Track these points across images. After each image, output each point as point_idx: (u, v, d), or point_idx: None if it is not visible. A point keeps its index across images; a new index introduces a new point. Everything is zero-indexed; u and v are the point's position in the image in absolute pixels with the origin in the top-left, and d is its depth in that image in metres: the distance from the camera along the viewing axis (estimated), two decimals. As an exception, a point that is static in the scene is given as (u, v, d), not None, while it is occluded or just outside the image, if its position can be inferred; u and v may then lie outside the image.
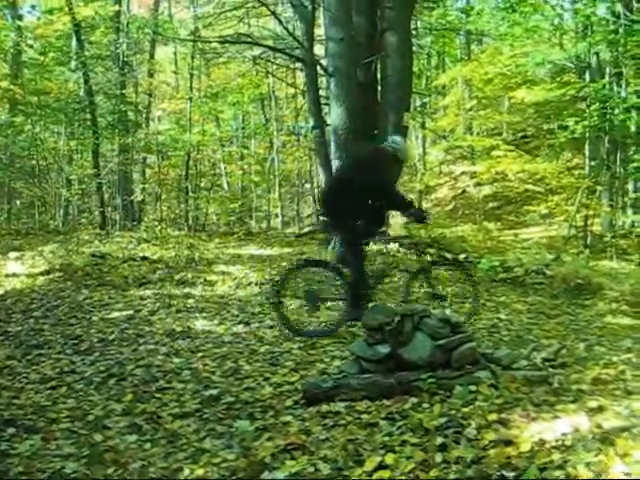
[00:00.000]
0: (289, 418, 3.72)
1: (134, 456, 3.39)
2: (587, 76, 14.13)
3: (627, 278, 8.41)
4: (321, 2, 11.68)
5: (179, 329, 5.96)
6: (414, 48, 13.37)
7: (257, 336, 5.71)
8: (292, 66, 18.07)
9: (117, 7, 16.81)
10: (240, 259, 9.90)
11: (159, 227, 12.93)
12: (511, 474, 2.71)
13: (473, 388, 3.67)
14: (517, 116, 19.49)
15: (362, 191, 5.69)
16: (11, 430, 3.71)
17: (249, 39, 15.71)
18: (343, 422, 3.51)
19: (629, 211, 13.70)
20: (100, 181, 16.06)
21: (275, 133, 20.41)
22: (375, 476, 2.88)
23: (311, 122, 12.31)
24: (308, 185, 21.67)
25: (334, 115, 10.57)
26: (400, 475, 2.86)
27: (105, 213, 16.02)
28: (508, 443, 2.97)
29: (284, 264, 9.12)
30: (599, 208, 13.16)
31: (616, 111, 12.28)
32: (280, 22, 14.93)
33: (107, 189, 17.86)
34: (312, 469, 3.02)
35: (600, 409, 3.24)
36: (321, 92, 12.86)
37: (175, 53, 21.78)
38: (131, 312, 6.63)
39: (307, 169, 21.15)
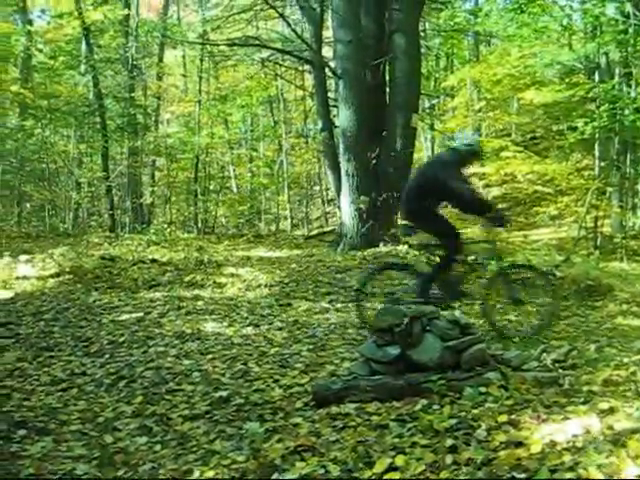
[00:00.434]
0: (299, 420, 3.72)
1: (144, 458, 3.40)
2: (596, 77, 14.07)
3: (638, 279, 8.37)
4: (329, 4, 11.72)
5: (189, 331, 5.97)
6: (422, 50, 13.38)
7: (267, 338, 5.71)
8: (301, 68, 18.10)
9: (126, 11, 16.90)
10: (249, 261, 9.91)
11: (168, 229, 12.99)
12: (522, 476, 2.69)
13: (483, 389, 3.66)
14: (526, 117, 19.44)
15: (441, 193, 5.67)
16: (22, 432, 3.73)
17: (257, 42, 15.77)
18: (353, 424, 3.51)
19: (639, 212, 13.64)
20: (109, 184, 16.13)
21: (284, 135, 20.42)
22: (385, 478, 2.88)
23: (320, 124, 12.33)
24: (317, 187, 21.68)
25: (343, 117, 10.58)
26: (410, 477, 2.85)
27: (115, 216, 16.10)
28: (518, 445, 2.96)
29: (293, 266, 9.13)
30: (609, 209, 13.10)
31: (626, 112, 12.21)
32: (288, 24, 14.97)
33: (116, 192, 17.96)
34: (322, 471, 3.02)
35: (611, 410, 3.22)
36: (330, 94, 12.88)
37: (184, 56, 21.87)
38: (141, 314, 6.64)
39: (316, 171, 21.16)
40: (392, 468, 2.94)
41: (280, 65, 17.82)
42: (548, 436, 2.97)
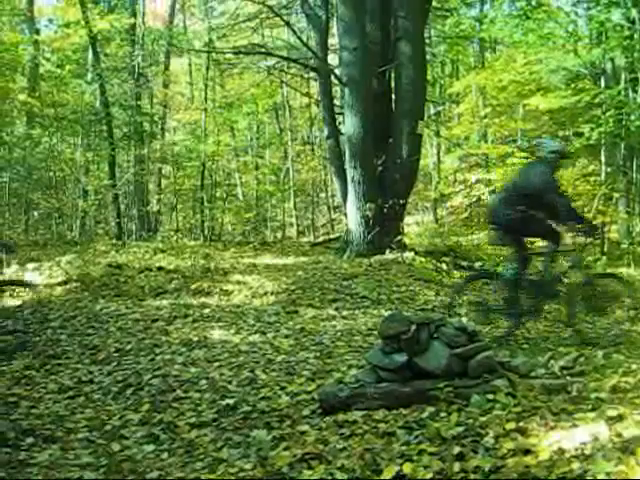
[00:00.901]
0: (306, 427, 3.72)
1: (151, 466, 3.40)
2: (602, 82, 14.06)
3: (645, 285, 8.32)
4: (335, 12, 11.75)
5: (195, 339, 5.98)
6: (428, 56, 13.40)
7: (273, 345, 5.71)
8: (306, 76, 18.13)
9: (132, 20, 17.00)
10: (256, 268, 9.92)
11: (175, 237, 13.01)
12: (530, 484, 2.69)
13: (490, 397, 3.64)
14: (532, 123, 19.38)
15: (538, 204, 5.70)
16: (30, 440, 3.74)
17: (263, 49, 15.83)
18: (360, 431, 3.50)
19: (646, 218, 13.59)
20: (116, 192, 16.17)
21: (289, 143, 20.46)
22: (393, 486, 2.87)
23: (325, 131, 12.35)
24: (323, 194, 21.70)
25: (348, 124, 10.59)
26: (418, 485, 2.85)
27: (121, 224, 16.13)
28: (526, 452, 2.94)
29: (299, 273, 9.13)
30: (616, 215, 13.06)
31: (632, 117, 12.19)
32: (294, 32, 15.02)
33: (123, 200, 17.99)
34: (329, 478, 3.01)
35: (620, 418, 3.20)
36: (335, 101, 12.89)
37: (190, 64, 21.97)
38: (148, 322, 6.65)
39: (322, 178, 21.18)
40: (399, 476, 2.94)
41: (286, 73, 17.85)
42: (556, 444, 2.95)
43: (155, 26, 20.43)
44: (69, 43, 16.18)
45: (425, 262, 9.62)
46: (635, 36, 11.71)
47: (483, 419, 3.37)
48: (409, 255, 9.77)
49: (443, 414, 3.55)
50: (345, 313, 7.03)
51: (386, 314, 5.37)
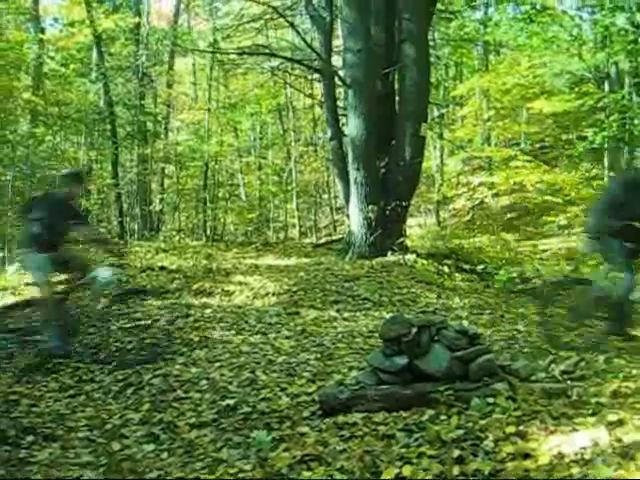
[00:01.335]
0: (306, 429, 3.72)
1: (151, 465, 3.40)
2: (606, 86, 14.05)
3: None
4: (339, 13, 11.75)
5: (196, 339, 5.98)
6: (432, 59, 13.40)
7: (274, 346, 5.71)
8: (310, 77, 18.14)
9: (137, 19, 17.02)
10: (258, 269, 9.92)
11: (177, 237, 13.01)
12: (529, 488, 2.69)
13: (491, 400, 3.64)
14: (535, 126, 19.38)
15: (631, 214, 5.67)
16: (30, 438, 3.75)
17: (267, 50, 15.85)
18: (360, 433, 3.50)
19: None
20: (119, 191, 16.19)
21: (293, 143, 20.47)
22: (392, 488, 2.87)
23: (329, 133, 12.35)
24: (325, 195, 21.71)
25: (352, 126, 10.59)
26: (417, 487, 2.85)
27: (124, 223, 16.15)
28: (526, 456, 2.95)
29: (301, 274, 9.13)
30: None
31: (636, 121, 12.19)
32: (298, 33, 15.03)
33: (126, 199, 18.02)
34: (329, 480, 3.02)
35: (620, 423, 3.20)
36: (339, 103, 12.90)
37: (194, 64, 21.98)
38: (149, 322, 6.66)
39: (324, 179, 21.19)
40: (399, 478, 2.94)
41: (289, 74, 17.87)
42: (556, 448, 2.95)
43: (159, 26, 20.46)
44: (74, 42, 16.18)
45: (427, 264, 9.61)
46: (639, 40, 11.70)
47: (483, 422, 3.37)
48: (411, 257, 9.76)
49: (443, 417, 3.55)
50: (346, 315, 7.03)
51: (387, 316, 5.37)
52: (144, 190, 18.04)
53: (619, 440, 2.97)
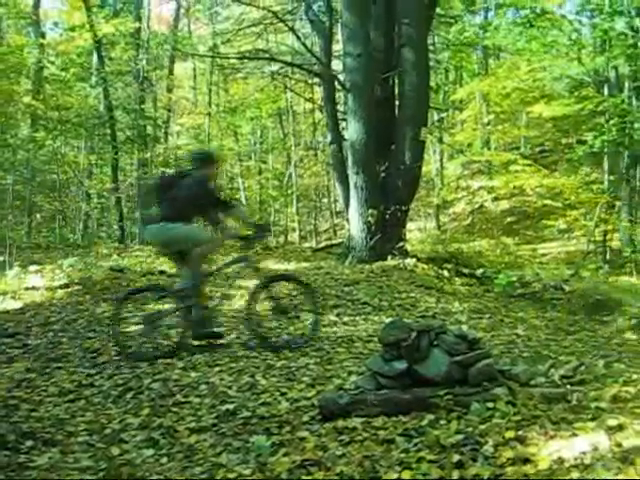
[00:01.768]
0: (305, 434, 3.71)
1: (150, 470, 3.39)
2: (606, 90, 14.08)
3: (647, 294, 8.33)
4: (339, 18, 11.78)
5: (196, 343, 5.97)
6: (431, 63, 13.43)
7: (274, 351, 5.71)
8: (310, 81, 18.18)
9: (137, 24, 17.08)
10: (258, 273, 9.90)
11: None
12: (529, 493, 2.68)
13: (490, 405, 3.64)
14: (535, 130, 19.44)
15: None
16: (30, 443, 3.74)
17: (267, 55, 15.89)
18: (359, 438, 3.50)
19: (649, 226, 13.58)
20: (119, 195, 16.21)
21: (293, 148, 20.50)
22: (391, 493, 2.87)
23: (328, 137, 12.37)
24: (325, 199, 21.74)
25: (351, 130, 10.60)
26: (417, 492, 2.84)
27: (124, 227, 16.17)
28: (526, 461, 2.94)
29: (301, 279, 9.10)
30: (618, 223, 13.06)
31: (635, 125, 12.23)
32: (298, 38, 15.07)
33: (126, 203, 18.03)
34: (328, 485, 3.01)
35: (620, 427, 3.20)
36: (339, 107, 12.92)
37: (194, 69, 22.06)
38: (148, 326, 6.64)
39: (324, 184, 21.23)
40: (399, 483, 2.94)
41: (290, 78, 17.92)
42: (556, 453, 2.95)
43: (160, 30, 20.52)
44: (74, 46, 16.26)
45: (427, 269, 9.62)
46: (639, 44, 11.73)
47: (483, 427, 3.36)
48: (411, 262, 9.76)
49: (443, 422, 3.55)
50: (346, 319, 7.02)
51: (387, 321, 5.37)
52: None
53: (619, 445, 2.96)
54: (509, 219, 18.97)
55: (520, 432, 3.24)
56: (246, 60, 16.50)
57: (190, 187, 5.89)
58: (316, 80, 15.91)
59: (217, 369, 5.16)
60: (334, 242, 16.15)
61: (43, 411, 4.32)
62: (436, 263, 10.03)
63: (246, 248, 6.40)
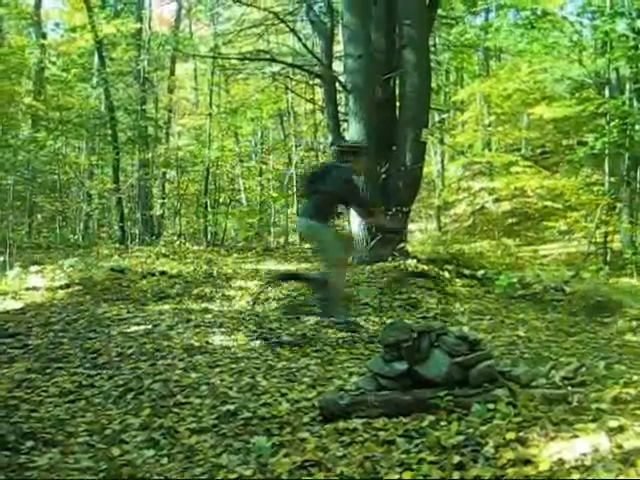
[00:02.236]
0: (306, 435, 3.71)
1: (151, 471, 3.39)
2: (607, 92, 14.08)
3: (648, 296, 8.32)
4: (340, 19, 11.77)
5: (197, 344, 5.97)
6: (432, 64, 13.42)
7: (274, 351, 5.71)
8: (311, 82, 18.17)
9: (138, 25, 17.10)
10: (258, 274, 9.92)
11: (178, 242, 13.02)
12: (530, 494, 2.68)
13: (491, 406, 3.63)
14: (536, 132, 19.45)
15: None
16: (30, 443, 3.74)
17: (268, 56, 15.89)
18: (360, 439, 3.50)
19: (650, 228, 13.57)
20: (120, 196, 16.22)
21: (294, 149, 20.50)
22: (392, 494, 2.87)
23: (329, 138, 12.36)
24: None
25: (352, 131, 10.60)
26: (417, 493, 2.84)
27: (125, 227, 16.18)
28: (527, 462, 2.94)
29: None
30: (619, 225, 13.05)
31: (636, 127, 12.22)
32: (299, 39, 15.08)
33: (127, 204, 18.05)
34: (329, 486, 3.01)
35: (620, 429, 3.19)
36: (340, 108, 12.92)
37: (195, 69, 22.08)
38: (149, 327, 6.64)
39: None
40: (399, 484, 2.93)
41: (290, 79, 17.93)
42: (556, 454, 2.95)
43: (161, 31, 20.54)
44: (75, 47, 16.29)
45: (428, 270, 9.61)
46: (640, 46, 11.74)
47: (483, 428, 3.36)
48: (412, 263, 9.75)
49: (443, 423, 3.55)
50: (347, 320, 7.02)
51: (388, 322, 5.37)
52: (145, 195, 18.08)
53: (620, 446, 2.96)
54: (510, 220, 18.96)
55: (521, 433, 3.24)
56: (247, 61, 16.51)
57: (335, 182, 5.92)
58: (317, 81, 15.90)
59: (218, 370, 5.15)
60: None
61: (43, 411, 4.31)
62: (437, 264, 10.02)
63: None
